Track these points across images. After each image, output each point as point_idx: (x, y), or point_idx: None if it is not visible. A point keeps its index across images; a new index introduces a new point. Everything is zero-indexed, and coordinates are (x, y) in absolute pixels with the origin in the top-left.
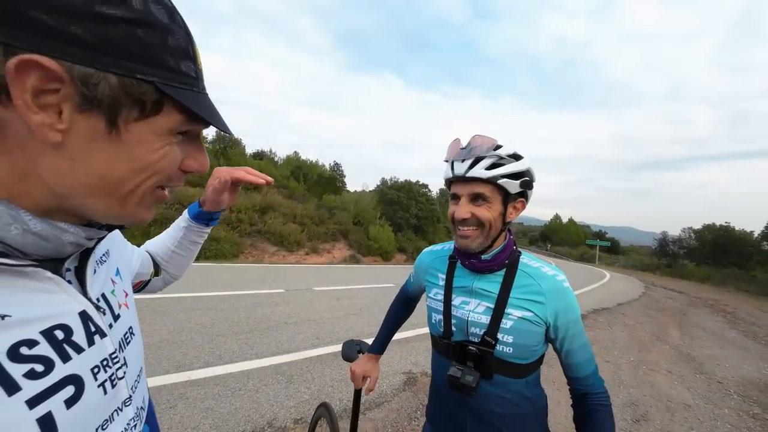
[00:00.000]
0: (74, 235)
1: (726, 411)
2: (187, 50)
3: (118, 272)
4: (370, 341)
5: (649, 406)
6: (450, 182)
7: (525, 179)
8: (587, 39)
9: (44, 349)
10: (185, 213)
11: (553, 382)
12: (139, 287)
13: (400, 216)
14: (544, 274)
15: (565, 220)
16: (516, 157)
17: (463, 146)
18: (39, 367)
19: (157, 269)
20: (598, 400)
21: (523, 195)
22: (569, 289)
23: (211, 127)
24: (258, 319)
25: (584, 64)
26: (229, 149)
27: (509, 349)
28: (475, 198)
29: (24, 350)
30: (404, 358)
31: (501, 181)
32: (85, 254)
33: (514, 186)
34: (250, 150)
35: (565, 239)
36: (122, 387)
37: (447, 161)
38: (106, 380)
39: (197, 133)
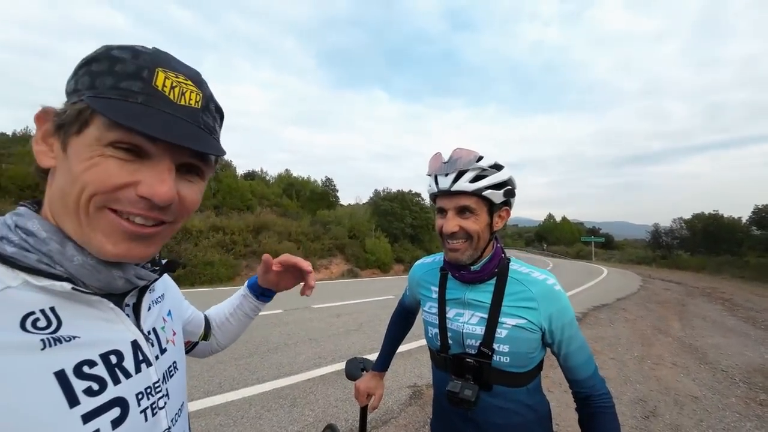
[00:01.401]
0: (121, 269)
1: (733, 400)
2: (134, 73)
3: (169, 313)
4: (373, 357)
5: (657, 401)
6: (435, 196)
7: (508, 188)
8: (564, 43)
9: (101, 370)
10: (246, 282)
11: (560, 384)
12: (186, 349)
13: (396, 226)
14: (535, 279)
15: (558, 219)
16: (497, 167)
17: (445, 160)
18: (95, 386)
19: (207, 333)
20: (602, 401)
21: (507, 203)
22: (561, 292)
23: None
24: (257, 342)
25: (564, 67)
26: (219, 172)
27: (506, 359)
28: (462, 211)
29: (86, 369)
30: (408, 371)
31: (486, 193)
32: (142, 292)
33: (498, 196)
34: (241, 171)
35: (561, 238)
36: (162, 417)
37: (430, 175)
38: (147, 407)
39: (154, 154)
